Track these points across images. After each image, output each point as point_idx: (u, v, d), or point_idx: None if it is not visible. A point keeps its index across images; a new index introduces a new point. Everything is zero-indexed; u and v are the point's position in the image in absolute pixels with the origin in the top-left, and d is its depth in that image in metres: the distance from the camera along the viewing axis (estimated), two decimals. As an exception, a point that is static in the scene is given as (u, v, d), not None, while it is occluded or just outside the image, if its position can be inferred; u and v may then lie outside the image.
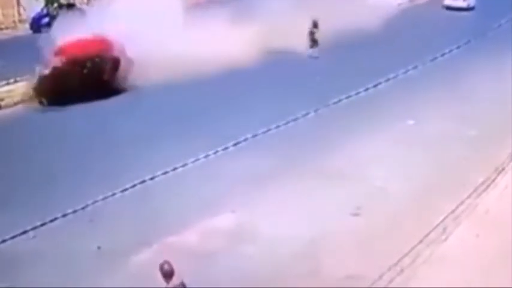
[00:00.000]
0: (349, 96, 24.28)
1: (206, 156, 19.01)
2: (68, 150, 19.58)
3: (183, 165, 18.46)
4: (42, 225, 15.10)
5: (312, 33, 30.11)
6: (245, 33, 28.78)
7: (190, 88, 24.15)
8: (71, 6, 35.18)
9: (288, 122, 21.74)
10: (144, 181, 17.32)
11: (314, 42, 30.09)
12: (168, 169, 18.07)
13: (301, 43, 29.57)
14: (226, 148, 19.59)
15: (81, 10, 33.96)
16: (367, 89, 25.07)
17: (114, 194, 16.57)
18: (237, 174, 17.62)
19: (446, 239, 14.46)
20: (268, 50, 28.29)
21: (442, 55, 30.22)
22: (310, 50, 29.89)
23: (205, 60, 25.56)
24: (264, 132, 20.81)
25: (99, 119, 22.01)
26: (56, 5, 34.70)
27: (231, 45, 27.69)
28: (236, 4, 29.28)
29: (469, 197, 16.39)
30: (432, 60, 29.41)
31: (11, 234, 14.64)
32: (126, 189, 16.84)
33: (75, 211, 15.74)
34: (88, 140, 20.29)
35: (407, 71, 27.69)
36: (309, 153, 19.12)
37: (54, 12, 33.75)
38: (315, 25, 30.12)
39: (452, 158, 18.77)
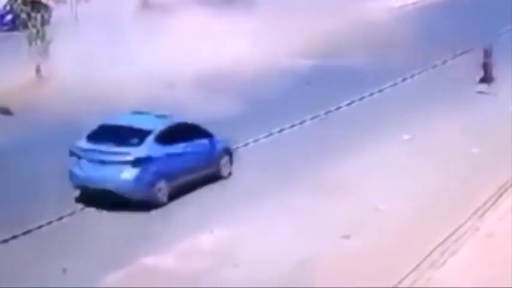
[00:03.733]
0: (351, 103, 25.16)
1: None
2: (36, 157, 19.43)
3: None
4: (1, 242, 14.96)
5: (486, 65, 27.05)
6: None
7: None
8: (36, 2, 35.00)
9: (282, 130, 22.01)
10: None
11: (489, 76, 26.81)
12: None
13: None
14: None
15: (46, 7, 33.91)
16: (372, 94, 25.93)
17: (83, 209, 16.47)
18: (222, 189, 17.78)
19: (444, 263, 14.52)
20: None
21: (453, 58, 31.36)
22: (482, 85, 26.71)
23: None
24: (255, 141, 21.01)
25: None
26: (20, 1, 34.49)
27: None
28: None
29: (470, 218, 16.49)
30: (443, 63, 30.56)
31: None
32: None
33: (39, 227, 15.60)
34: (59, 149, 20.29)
35: (413, 75, 28.67)
36: (303, 164, 19.33)
37: (19, 9, 33.56)
38: (488, 54, 27.22)
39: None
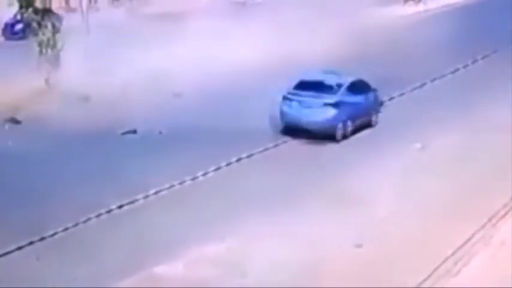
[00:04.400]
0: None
1: (193, 179, 19.23)
2: (45, 168, 19.61)
3: (170, 187, 18.51)
4: (8, 253, 15.02)
5: None
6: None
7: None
8: (47, 11, 35.22)
9: (285, 142, 22.11)
10: (123, 205, 17.38)
11: None
12: (153, 191, 18.12)
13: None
14: (218, 168, 19.83)
15: (57, 16, 34.07)
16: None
17: (89, 219, 16.56)
18: (233, 196, 17.78)
19: (458, 272, 14.49)
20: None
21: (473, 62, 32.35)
22: None
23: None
24: (260, 152, 21.06)
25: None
26: (30, 9, 34.73)
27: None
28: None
29: (483, 227, 16.48)
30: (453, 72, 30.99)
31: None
32: (105, 213, 16.89)
33: (43, 238, 15.66)
34: (69, 157, 20.43)
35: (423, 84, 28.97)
36: (312, 175, 19.44)
37: (29, 18, 33.78)
38: None
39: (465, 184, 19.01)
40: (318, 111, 22.34)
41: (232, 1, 41.96)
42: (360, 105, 23.44)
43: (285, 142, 22.30)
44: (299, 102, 22.66)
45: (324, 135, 22.22)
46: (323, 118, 22.24)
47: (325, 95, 22.65)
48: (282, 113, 22.90)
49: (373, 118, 24.19)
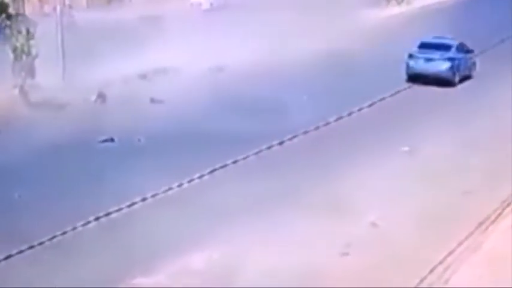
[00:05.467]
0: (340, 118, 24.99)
1: (180, 185, 19.04)
2: (23, 176, 19.48)
3: (153, 196, 18.38)
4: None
5: None
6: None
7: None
8: (21, 17, 35.13)
9: (271, 147, 22.06)
10: (109, 213, 17.14)
11: None
12: (136, 200, 17.97)
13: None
14: (201, 176, 19.70)
15: (31, 21, 33.93)
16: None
17: (74, 229, 16.41)
18: (214, 206, 17.73)
19: (447, 281, 14.49)
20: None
21: None
22: None
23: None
24: (244, 158, 20.96)
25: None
26: (3, 15, 34.56)
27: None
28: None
29: (472, 233, 16.48)
30: None
31: None
32: (88, 223, 16.70)
33: (21, 251, 15.45)
34: (47, 167, 20.25)
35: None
36: (295, 181, 19.36)
37: (3, 24, 33.60)
38: None
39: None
40: (438, 64, 30.88)
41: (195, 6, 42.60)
42: (464, 61, 31.66)
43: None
44: (422, 58, 31.02)
45: (441, 82, 30.28)
46: (442, 69, 30.79)
47: (442, 53, 31.13)
48: (408, 67, 31.09)
49: (472, 72, 32.15)
